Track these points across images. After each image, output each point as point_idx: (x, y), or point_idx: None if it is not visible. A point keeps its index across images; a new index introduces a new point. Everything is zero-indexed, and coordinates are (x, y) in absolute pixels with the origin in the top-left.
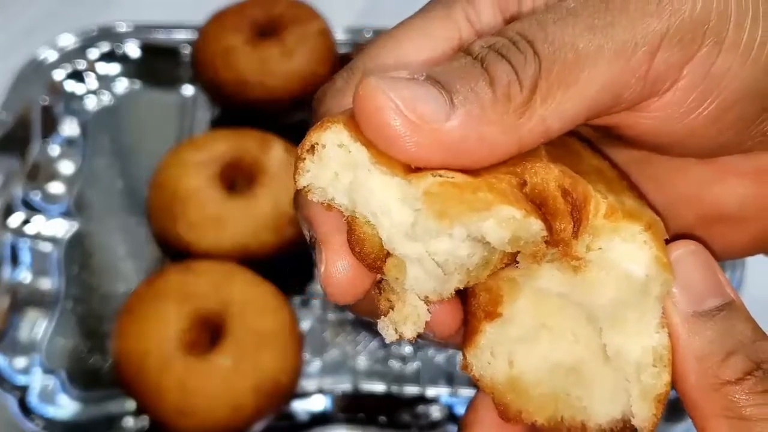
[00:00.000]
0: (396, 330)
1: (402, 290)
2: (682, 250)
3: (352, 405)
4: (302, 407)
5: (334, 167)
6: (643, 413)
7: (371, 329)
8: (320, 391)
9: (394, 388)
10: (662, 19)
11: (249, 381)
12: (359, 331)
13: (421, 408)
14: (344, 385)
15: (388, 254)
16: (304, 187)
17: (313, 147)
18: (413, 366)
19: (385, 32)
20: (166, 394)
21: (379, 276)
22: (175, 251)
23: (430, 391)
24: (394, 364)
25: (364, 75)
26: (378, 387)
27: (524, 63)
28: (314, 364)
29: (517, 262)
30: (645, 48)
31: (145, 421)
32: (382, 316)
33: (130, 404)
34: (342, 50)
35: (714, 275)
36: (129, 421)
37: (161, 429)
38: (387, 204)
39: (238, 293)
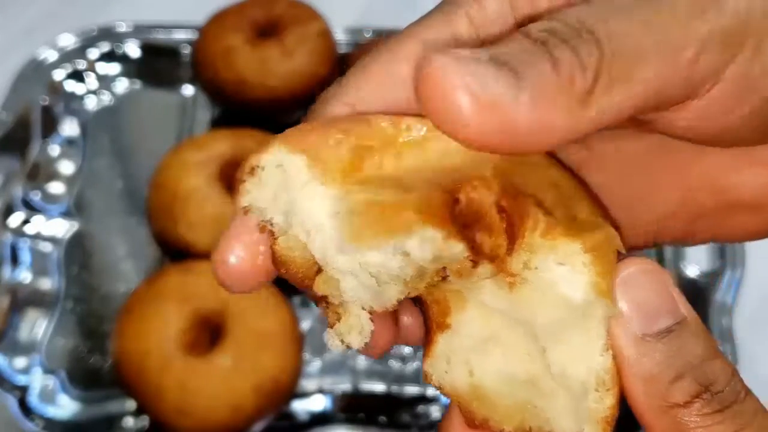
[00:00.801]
0: (342, 341)
1: (344, 302)
2: (634, 268)
3: (352, 405)
4: (302, 407)
5: (273, 188)
6: None
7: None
8: (320, 391)
9: (394, 388)
10: (707, 21)
11: (249, 381)
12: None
13: (421, 408)
14: (344, 385)
15: (318, 271)
16: (244, 207)
17: (253, 169)
18: (413, 366)
19: (381, 43)
20: (166, 393)
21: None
22: (175, 251)
23: (431, 391)
24: (394, 364)
25: (422, 54)
26: (378, 387)
27: (588, 51)
28: (314, 364)
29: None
30: (692, 49)
31: (145, 421)
32: (329, 328)
33: (130, 404)
34: (342, 50)
35: (667, 294)
36: (129, 421)
37: (161, 429)
38: (319, 220)
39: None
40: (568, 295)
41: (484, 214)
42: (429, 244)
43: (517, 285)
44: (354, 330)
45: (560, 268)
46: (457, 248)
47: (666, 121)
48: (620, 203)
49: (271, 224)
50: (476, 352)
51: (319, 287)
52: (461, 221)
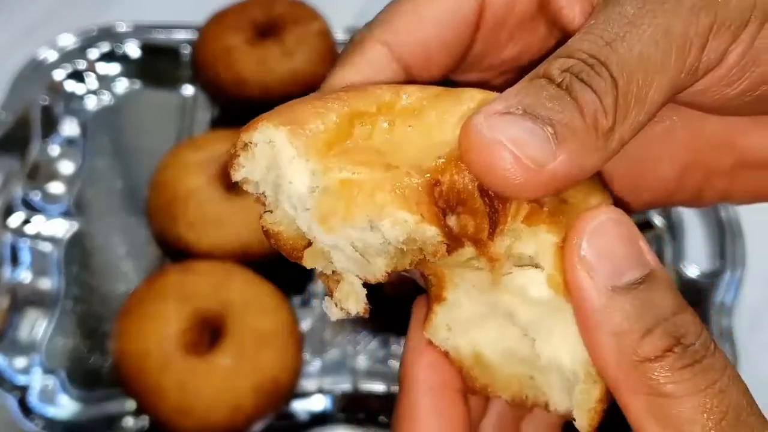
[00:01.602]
0: (341, 307)
1: (338, 272)
2: (602, 218)
3: (352, 405)
4: (302, 407)
5: (265, 163)
6: (581, 422)
7: (371, 329)
8: (320, 391)
9: (394, 388)
10: (711, 11)
11: (249, 381)
12: (359, 331)
13: None
14: (344, 385)
15: (308, 244)
16: (240, 180)
17: (246, 144)
18: None
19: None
20: (166, 393)
21: None
22: (175, 251)
23: None
24: (394, 364)
25: (468, 119)
26: (378, 387)
27: (605, 89)
28: (314, 364)
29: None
30: (699, 43)
31: (145, 420)
32: (326, 296)
33: (130, 404)
34: (342, 50)
35: (634, 245)
36: (129, 421)
37: (161, 429)
38: (303, 196)
39: (238, 293)
40: (537, 296)
41: (467, 196)
42: (400, 226)
43: (498, 269)
44: (351, 297)
45: (528, 272)
46: (430, 232)
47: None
48: (633, 164)
49: (265, 197)
50: (474, 324)
51: (307, 261)
52: (443, 203)
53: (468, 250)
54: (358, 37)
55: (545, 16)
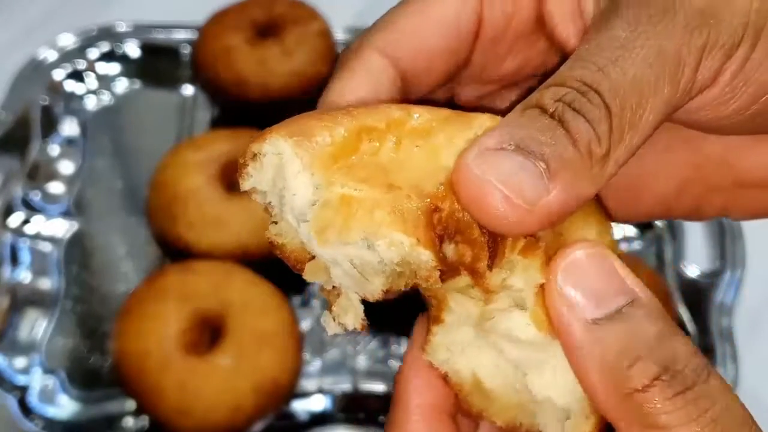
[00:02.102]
0: (338, 322)
1: (337, 287)
2: (577, 254)
3: (352, 405)
4: (302, 407)
5: (272, 174)
6: None
7: (371, 329)
8: (320, 391)
9: None
10: (704, 31)
11: (249, 381)
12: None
13: None
14: (344, 385)
15: (312, 258)
16: (249, 190)
17: (255, 155)
18: None
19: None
20: (166, 393)
21: None
22: (175, 251)
23: None
24: (394, 364)
25: (460, 155)
26: (378, 387)
27: (598, 117)
28: (314, 364)
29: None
30: (692, 63)
31: (144, 420)
32: (326, 311)
33: (130, 404)
34: (342, 50)
35: (614, 274)
36: (129, 421)
37: (161, 429)
38: (304, 209)
39: (237, 293)
40: (524, 338)
41: (465, 226)
42: (396, 247)
43: (492, 301)
44: (349, 311)
45: (512, 314)
46: (425, 256)
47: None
48: (631, 179)
49: (272, 207)
50: (472, 350)
51: (307, 274)
52: (441, 230)
53: (464, 279)
54: (355, 45)
55: (543, 31)
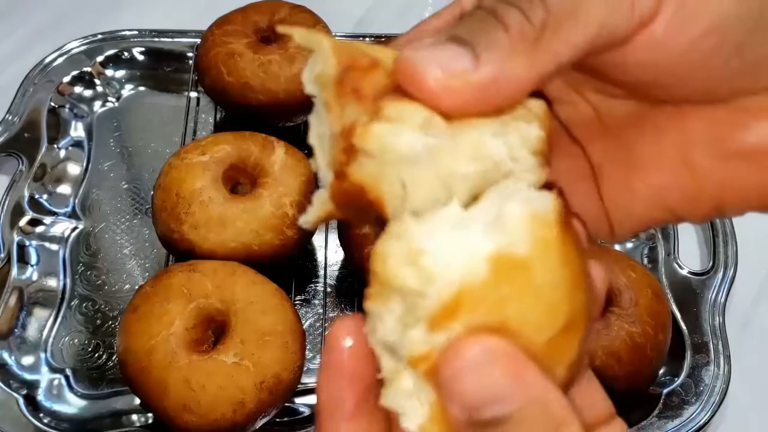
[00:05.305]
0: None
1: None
2: (474, 350)
3: None
4: (304, 402)
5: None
6: None
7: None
8: None
9: None
10: None
11: (252, 378)
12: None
13: None
14: None
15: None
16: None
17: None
18: None
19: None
20: (171, 390)
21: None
22: (179, 251)
23: None
24: None
25: (400, 52)
26: None
27: (531, 6)
28: (316, 361)
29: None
30: None
31: (149, 417)
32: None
33: (136, 401)
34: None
35: (504, 378)
36: (134, 417)
37: (166, 425)
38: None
39: (241, 292)
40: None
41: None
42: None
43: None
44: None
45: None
46: (330, 62)
47: (620, 59)
48: (622, 175)
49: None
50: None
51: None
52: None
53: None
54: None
55: None
